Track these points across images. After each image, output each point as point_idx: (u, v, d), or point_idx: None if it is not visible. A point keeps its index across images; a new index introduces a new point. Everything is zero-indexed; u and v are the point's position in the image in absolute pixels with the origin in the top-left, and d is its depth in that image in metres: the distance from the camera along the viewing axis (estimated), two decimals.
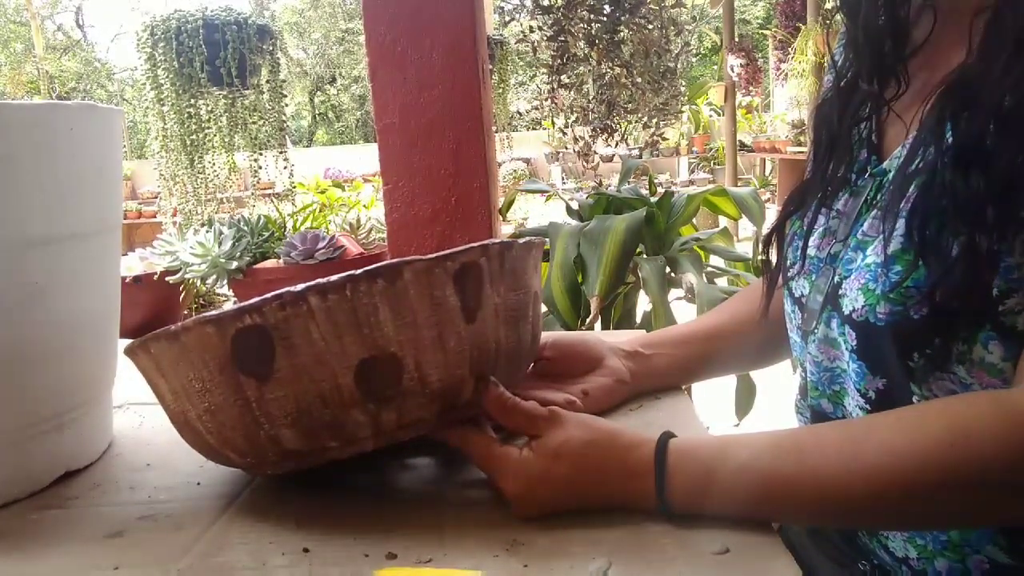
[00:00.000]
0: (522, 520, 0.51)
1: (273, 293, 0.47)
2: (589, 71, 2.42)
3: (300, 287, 0.47)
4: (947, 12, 0.56)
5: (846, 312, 0.56)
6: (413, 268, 0.49)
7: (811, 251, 0.64)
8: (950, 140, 0.51)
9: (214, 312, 0.48)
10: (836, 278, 0.58)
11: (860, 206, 0.60)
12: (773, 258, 0.70)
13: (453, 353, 0.51)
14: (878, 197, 0.58)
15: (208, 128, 3.60)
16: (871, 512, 0.49)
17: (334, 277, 0.47)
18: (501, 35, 4.56)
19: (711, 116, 8.28)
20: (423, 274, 0.49)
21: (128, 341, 0.55)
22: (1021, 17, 0.48)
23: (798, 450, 0.49)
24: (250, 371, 0.49)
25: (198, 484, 0.61)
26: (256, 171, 3.77)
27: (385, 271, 0.48)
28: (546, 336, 0.71)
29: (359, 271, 0.48)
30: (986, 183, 0.47)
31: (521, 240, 0.57)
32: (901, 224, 0.53)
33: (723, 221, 2.62)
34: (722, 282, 1.93)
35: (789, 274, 0.66)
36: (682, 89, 2.72)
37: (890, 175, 0.58)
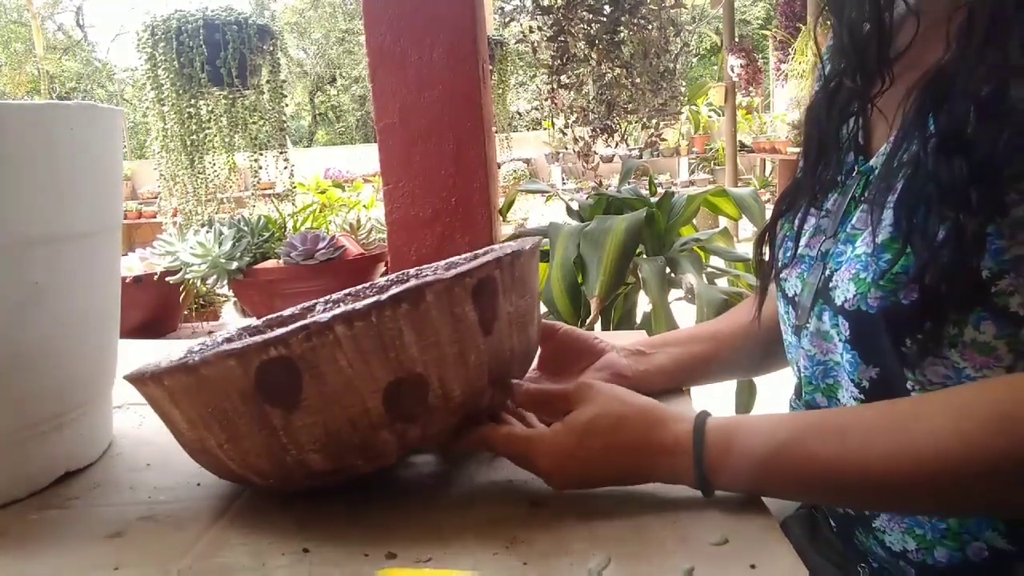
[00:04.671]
0: (559, 490, 0.54)
1: (298, 324, 0.47)
2: (589, 71, 2.42)
3: (326, 317, 0.47)
4: (928, 15, 0.57)
5: (838, 303, 0.57)
6: (434, 289, 0.50)
7: (803, 250, 0.65)
8: (932, 130, 0.53)
9: (236, 345, 0.47)
10: (827, 272, 0.60)
11: (848, 203, 0.61)
12: (767, 256, 0.71)
13: (474, 367, 0.53)
14: (865, 193, 0.60)
15: (208, 128, 3.60)
16: (914, 497, 0.49)
17: (359, 305, 0.48)
18: (501, 35, 4.57)
19: (711, 117, 8.28)
20: (444, 294, 0.50)
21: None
22: (991, 8, 0.49)
23: (841, 432, 0.49)
24: (276, 401, 0.48)
25: (198, 484, 0.61)
26: (256, 171, 3.77)
27: (408, 295, 0.49)
28: (559, 324, 0.74)
29: (384, 296, 0.48)
30: (968, 168, 0.49)
31: (527, 246, 0.58)
32: (888, 214, 0.54)
33: (723, 221, 2.62)
34: (722, 283, 1.93)
35: (782, 275, 0.67)
36: (682, 89, 2.72)
37: (877, 171, 0.59)
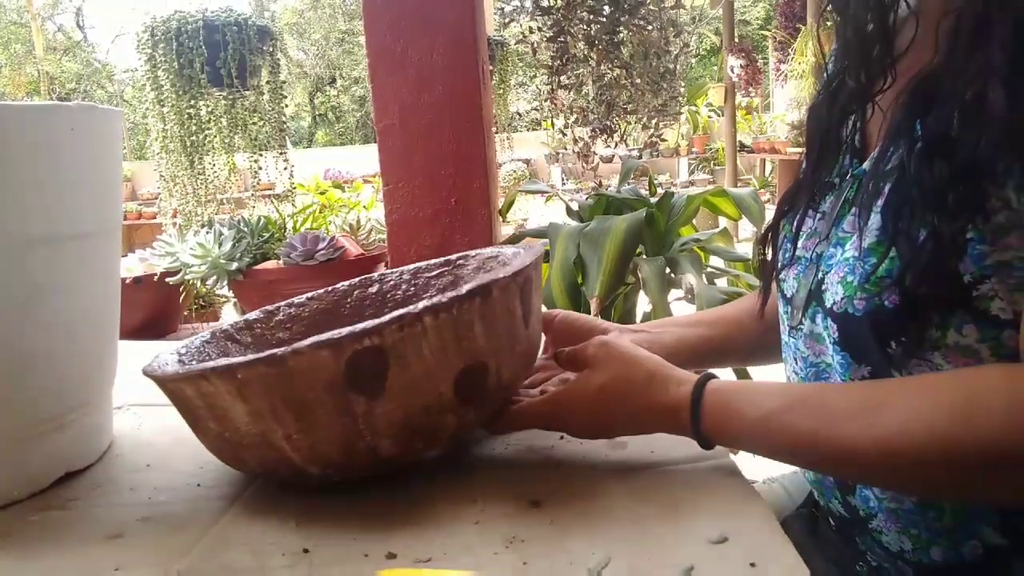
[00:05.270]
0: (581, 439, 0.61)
1: (390, 316, 0.50)
2: (589, 72, 2.42)
3: (417, 308, 0.51)
4: (926, 16, 0.57)
5: (828, 305, 0.58)
6: (499, 285, 0.55)
7: (800, 251, 0.66)
8: (920, 134, 0.53)
9: (328, 335, 0.49)
10: (820, 275, 0.60)
11: (841, 205, 0.62)
12: (770, 256, 0.72)
13: (519, 355, 0.60)
14: (856, 196, 0.60)
15: (208, 129, 3.60)
16: (880, 476, 0.52)
17: (444, 298, 0.52)
18: (501, 36, 4.57)
19: (710, 117, 8.28)
20: (504, 290, 0.56)
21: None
22: (976, 13, 0.50)
23: (820, 407, 0.51)
24: (361, 389, 0.51)
25: (198, 485, 0.61)
26: (256, 172, 3.77)
27: (480, 290, 0.54)
28: (556, 311, 0.78)
29: (462, 291, 0.53)
30: (950, 171, 0.49)
31: (538, 250, 0.63)
32: (875, 219, 0.55)
33: (723, 222, 2.62)
34: (722, 283, 1.93)
35: (781, 276, 0.68)
36: (681, 90, 2.72)
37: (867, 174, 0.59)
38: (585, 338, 0.75)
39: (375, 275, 0.82)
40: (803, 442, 0.51)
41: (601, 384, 0.58)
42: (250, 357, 0.50)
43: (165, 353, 0.63)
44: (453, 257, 0.80)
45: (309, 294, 0.80)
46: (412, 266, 0.82)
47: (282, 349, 0.49)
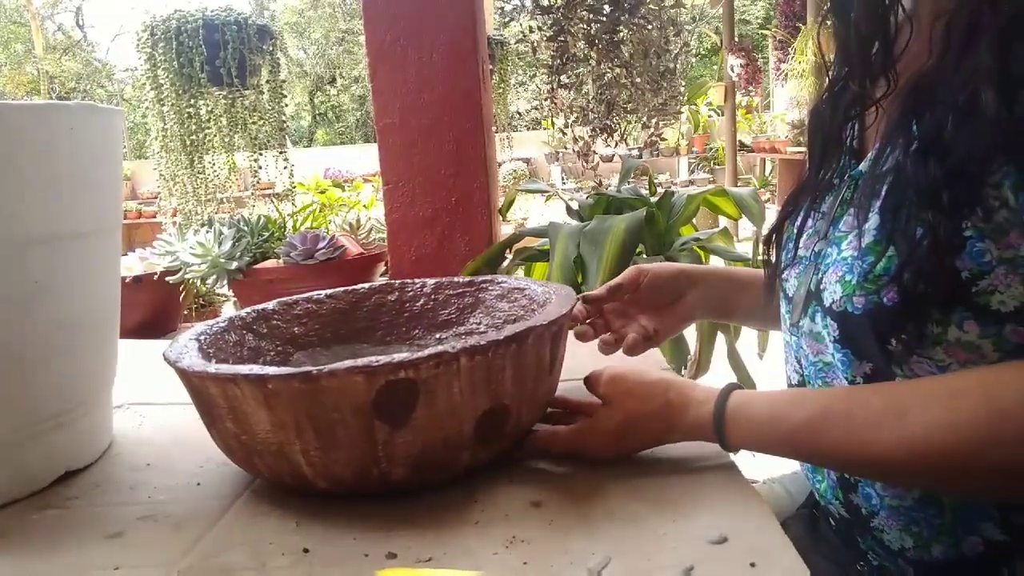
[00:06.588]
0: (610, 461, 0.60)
1: (428, 352, 0.51)
2: (589, 71, 2.41)
3: (455, 348, 0.51)
4: (921, 20, 0.58)
5: (827, 304, 0.59)
6: (535, 333, 0.56)
7: (801, 251, 0.67)
8: (915, 135, 0.54)
9: (366, 361, 0.49)
10: (818, 274, 0.61)
11: (838, 206, 0.63)
12: (774, 257, 0.72)
13: (540, 401, 0.62)
14: (853, 196, 0.61)
15: (208, 128, 3.59)
16: (911, 479, 0.53)
17: (482, 341, 0.53)
18: (501, 35, 4.56)
19: (711, 116, 8.27)
20: (538, 337, 0.57)
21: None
22: (967, 17, 0.50)
23: (845, 419, 0.51)
24: (387, 417, 0.51)
25: (198, 484, 0.61)
26: (256, 171, 3.76)
27: (518, 338, 0.55)
28: (646, 267, 0.81)
29: (500, 337, 0.53)
30: (944, 172, 0.50)
31: (573, 298, 0.65)
32: (873, 219, 0.55)
33: (723, 221, 2.62)
34: None
35: (783, 276, 0.68)
36: (682, 89, 2.71)
37: (864, 175, 0.60)
38: (671, 293, 0.81)
39: (396, 282, 0.82)
40: (832, 454, 0.52)
41: (620, 421, 0.59)
42: (284, 370, 0.50)
43: (184, 338, 0.63)
44: (478, 279, 0.80)
45: (328, 291, 0.80)
46: (434, 280, 0.82)
47: (317, 367, 0.50)
